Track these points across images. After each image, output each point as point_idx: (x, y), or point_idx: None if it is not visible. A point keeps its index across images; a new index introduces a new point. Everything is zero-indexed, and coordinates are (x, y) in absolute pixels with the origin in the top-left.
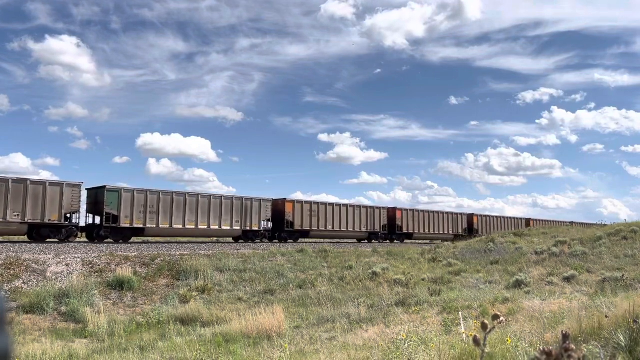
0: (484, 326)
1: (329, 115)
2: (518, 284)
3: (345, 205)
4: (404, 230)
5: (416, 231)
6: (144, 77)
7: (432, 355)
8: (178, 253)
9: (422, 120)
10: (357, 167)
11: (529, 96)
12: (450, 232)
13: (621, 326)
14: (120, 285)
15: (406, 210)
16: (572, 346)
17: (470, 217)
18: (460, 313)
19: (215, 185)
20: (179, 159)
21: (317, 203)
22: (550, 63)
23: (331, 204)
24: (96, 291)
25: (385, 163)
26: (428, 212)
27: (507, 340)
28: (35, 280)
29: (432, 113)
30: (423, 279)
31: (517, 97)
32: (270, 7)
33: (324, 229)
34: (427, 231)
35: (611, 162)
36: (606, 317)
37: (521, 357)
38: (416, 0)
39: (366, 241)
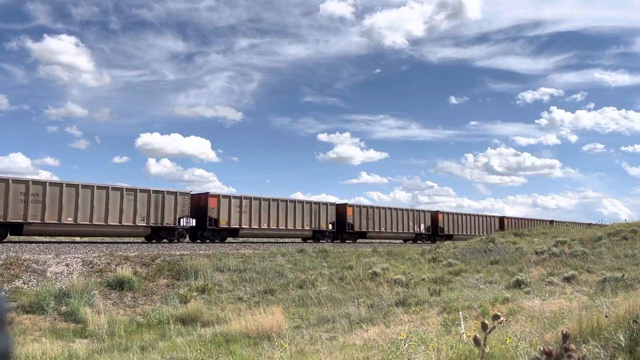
0: (484, 326)
1: (328, 115)
2: (518, 284)
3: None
4: (356, 228)
5: (370, 229)
6: (143, 77)
7: (432, 356)
8: (178, 253)
9: (422, 120)
10: (357, 167)
11: (528, 96)
12: (411, 231)
13: (621, 326)
14: (120, 285)
15: (358, 206)
16: (572, 346)
17: (435, 214)
18: (460, 313)
19: (215, 185)
20: (178, 159)
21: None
22: (550, 63)
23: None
24: (96, 291)
25: (385, 163)
26: (384, 208)
27: (507, 340)
28: (35, 280)
29: (431, 113)
30: (423, 279)
31: (516, 97)
32: (270, 7)
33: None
34: (382, 229)
35: (611, 162)
36: (606, 317)
37: (521, 357)
38: None
39: (311, 241)
